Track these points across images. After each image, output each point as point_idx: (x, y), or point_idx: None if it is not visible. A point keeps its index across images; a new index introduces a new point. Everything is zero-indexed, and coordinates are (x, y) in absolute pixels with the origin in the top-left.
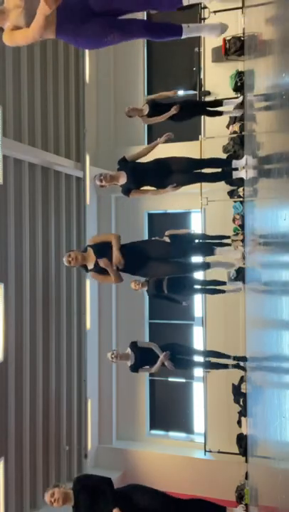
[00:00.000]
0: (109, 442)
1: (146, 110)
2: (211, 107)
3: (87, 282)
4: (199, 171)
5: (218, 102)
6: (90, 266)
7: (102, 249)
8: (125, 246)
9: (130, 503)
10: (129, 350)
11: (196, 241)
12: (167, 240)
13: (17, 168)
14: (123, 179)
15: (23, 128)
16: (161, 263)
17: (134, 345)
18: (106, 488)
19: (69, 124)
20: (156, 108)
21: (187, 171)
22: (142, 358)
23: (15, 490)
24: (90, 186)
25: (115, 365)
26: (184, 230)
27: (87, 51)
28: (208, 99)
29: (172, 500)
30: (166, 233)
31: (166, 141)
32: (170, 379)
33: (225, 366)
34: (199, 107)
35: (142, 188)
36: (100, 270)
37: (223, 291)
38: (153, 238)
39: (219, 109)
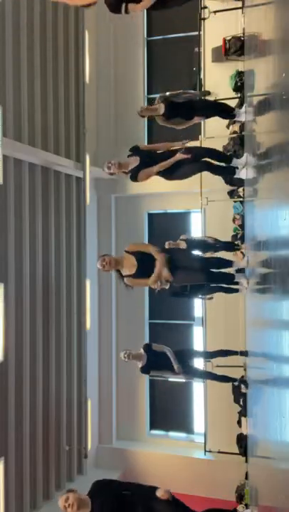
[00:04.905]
0: (109, 442)
1: (161, 109)
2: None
3: (87, 282)
4: (206, 159)
5: (231, 110)
6: (127, 272)
7: (143, 258)
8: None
9: (148, 503)
10: (142, 351)
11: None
12: (183, 244)
13: (17, 168)
14: (135, 163)
15: (23, 128)
16: (190, 272)
17: (147, 347)
18: (132, 490)
19: (69, 124)
20: (174, 108)
21: (196, 160)
22: (154, 360)
23: (15, 490)
24: (90, 186)
25: (115, 365)
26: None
27: (87, 50)
28: (208, 99)
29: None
30: (182, 237)
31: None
32: (170, 379)
33: (232, 379)
34: (213, 108)
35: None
36: (140, 276)
37: (237, 291)
38: (166, 245)
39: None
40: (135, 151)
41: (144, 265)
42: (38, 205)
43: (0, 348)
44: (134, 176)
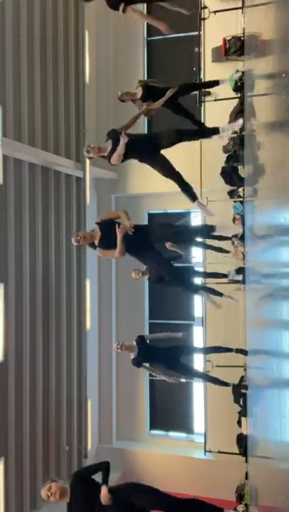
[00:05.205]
0: (109, 442)
1: (139, 93)
2: (208, 87)
3: (87, 282)
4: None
5: (215, 82)
6: (96, 243)
7: (107, 225)
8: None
9: (127, 500)
10: (134, 343)
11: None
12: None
13: (17, 168)
14: (110, 147)
15: (23, 128)
16: (158, 257)
17: (140, 339)
18: (103, 471)
19: (69, 124)
20: (151, 92)
21: (174, 142)
22: (146, 353)
23: (15, 490)
24: (90, 186)
25: (115, 364)
26: None
27: (87, 50)
28: (208, 99)
29: (170, 500)
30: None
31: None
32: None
33: (225, 384)
34: (197, 89)
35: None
36: (106, 246)
37: (221, 294)
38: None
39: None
40: (109, 134)
41: (105, 234)
42: (38, 205)
43: (0, 348)
44: (109, 159)
